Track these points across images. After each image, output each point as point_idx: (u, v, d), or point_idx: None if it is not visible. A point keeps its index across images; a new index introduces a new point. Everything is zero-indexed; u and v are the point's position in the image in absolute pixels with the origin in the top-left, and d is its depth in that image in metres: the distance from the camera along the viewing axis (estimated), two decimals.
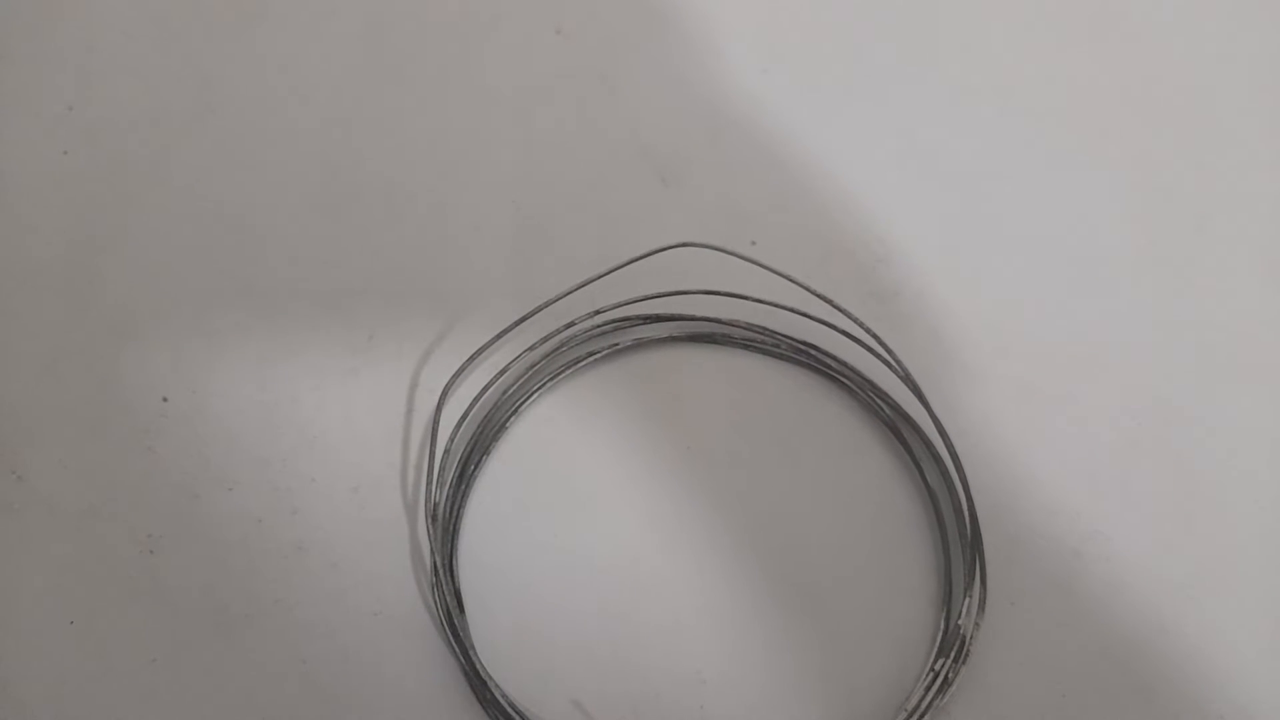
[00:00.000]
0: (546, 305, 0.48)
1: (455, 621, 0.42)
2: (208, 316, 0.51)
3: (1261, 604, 0.44)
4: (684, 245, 0.48)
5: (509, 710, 0.40)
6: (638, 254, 0.48)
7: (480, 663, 0.41)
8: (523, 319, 0.48)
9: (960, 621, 0.42)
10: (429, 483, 0.45)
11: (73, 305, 0.52)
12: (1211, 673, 0.42)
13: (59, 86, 0.58)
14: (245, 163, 0.56)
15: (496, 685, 0.40)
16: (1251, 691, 0.42)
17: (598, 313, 0.49)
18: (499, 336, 0.48)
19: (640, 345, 0.50)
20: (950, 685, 0.41)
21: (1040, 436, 0.48)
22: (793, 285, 0.48)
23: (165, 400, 0.49)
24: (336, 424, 0.48)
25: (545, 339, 0.49)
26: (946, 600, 0.43)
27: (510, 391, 0.48)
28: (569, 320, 0.49)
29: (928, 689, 0.41)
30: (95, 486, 0.47)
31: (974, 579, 0.43)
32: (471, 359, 0.48)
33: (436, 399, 0.47)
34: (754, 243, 0.53)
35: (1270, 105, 0.58)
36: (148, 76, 0.59)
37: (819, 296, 0.48)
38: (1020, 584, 0.44)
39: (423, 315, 0.51)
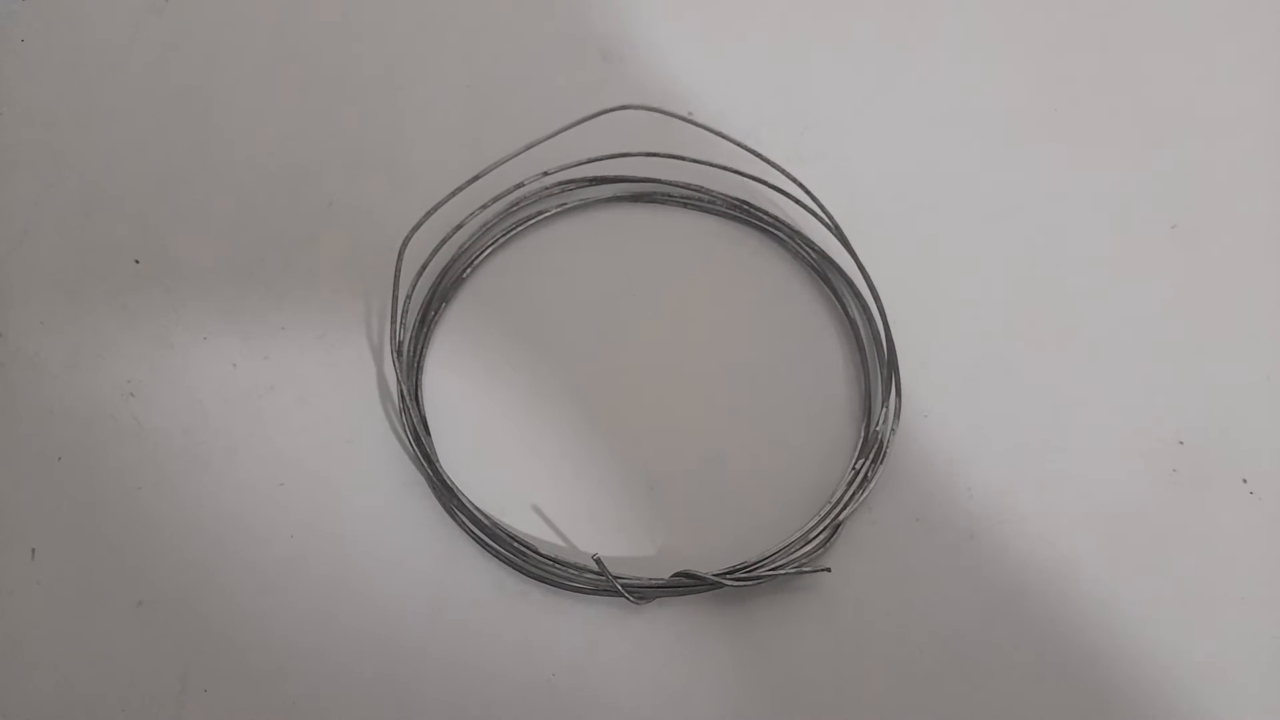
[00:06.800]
0: (497, 165, 0.51)
1: (423, 440, 0.46)
2: (173, 188, 0.54)
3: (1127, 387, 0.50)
4: (625, 108, 0.52)
5: (475, 513, 0.44)
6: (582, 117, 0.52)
7: (446, 474, 0.45)
8: (475, 177, 0.51)
9: (878, 429, 0.47)
10: (394, 323, 0.48)
11: (42, 182, 0.54)
12: (1102, 464, 0.48)
13: None
14: (203, 51, 0.58)
15: (462, 493, 0.44)
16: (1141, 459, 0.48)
17: (546, 174, 0.53)
18: (453, 194, 0.51)
19: (586, 205, 0.54)
20: (870, 482, 0.46)
21: (948, 274, 0.53)
22: (725, 146, 0.52)
23: (137, 263, 0.52)
24: (301, 281, 0.51)
25: (497, 198, 0.52)
26: (867, 413, 0.48)
27: (466, 247, 0.52)
28: (519, 181, 0.53)
29: (849, 485, 0.46)
30: (74, 342, 0.49)
31: (890, 393, 0.48)
32: (427, 215, 0.51)
33: (396, 253, 0.50)
34: (691, 113, 0.57)
35: None
36: None
37: (753, 153, 0.52)
38: (931, 400, 0.49)
39: (380, 183, 0.54)
